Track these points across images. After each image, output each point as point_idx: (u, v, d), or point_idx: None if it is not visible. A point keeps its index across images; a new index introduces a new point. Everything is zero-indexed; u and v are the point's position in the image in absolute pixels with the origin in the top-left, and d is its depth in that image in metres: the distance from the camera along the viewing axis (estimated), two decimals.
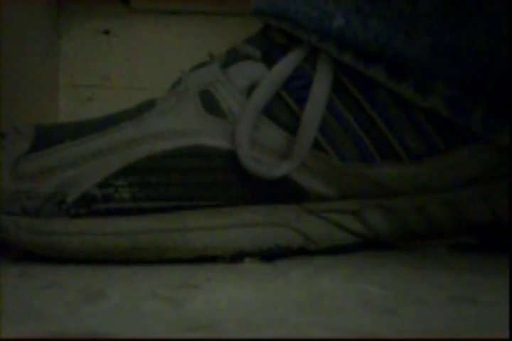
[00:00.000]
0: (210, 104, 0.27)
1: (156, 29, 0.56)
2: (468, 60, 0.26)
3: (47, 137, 0.27)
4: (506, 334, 0.14)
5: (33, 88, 0.46)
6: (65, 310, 0.17)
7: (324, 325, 0.15)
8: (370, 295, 0.19)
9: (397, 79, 0.26)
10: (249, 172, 0.26)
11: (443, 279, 0.22)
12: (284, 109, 0.27)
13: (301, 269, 0.24)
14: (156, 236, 0.25)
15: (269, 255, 0.26)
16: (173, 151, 0.26)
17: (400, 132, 0.27)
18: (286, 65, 0.27)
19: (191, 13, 0.56)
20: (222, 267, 0.24)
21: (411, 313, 0.17)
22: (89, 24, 0.55)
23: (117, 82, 0.55)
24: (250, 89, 0.27)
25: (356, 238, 0.28)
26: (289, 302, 0.18)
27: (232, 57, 0.28)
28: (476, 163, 0.27)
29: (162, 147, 0.26)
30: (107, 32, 0.55)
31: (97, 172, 0.25)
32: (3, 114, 0.37)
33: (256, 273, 0.23)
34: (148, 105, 0.28)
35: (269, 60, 0.27)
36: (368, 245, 0.29)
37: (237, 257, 0.26)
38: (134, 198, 0.25)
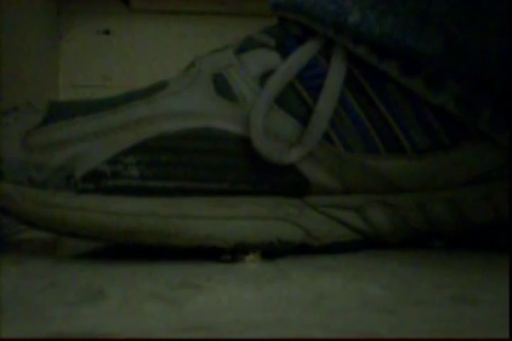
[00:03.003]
0: (222, 87, 0.27)
1: (156, 29, 0.56)
2: (479, 59, 0.26)
3: (59, 112, 0.27)
4: (506, 334, 0.14)
5: (33, 88, 0.46)
6: (65, 310, 0.17)
7: (324, 325, 0.15)
8: (370, 295, 0.19)
9: (408, 75, 0.26)
10: (262, 156, 0.26)
11: (443, 279, 0.22)
12: (295, 97, 0.27)
13: (301, 269, 0.24)
14: (159, 220, 0.25)
15: (271, 250, 0.26)
16: (183, 132, 0.26)
17: (407, 126, 0.27)
18: (302, 54, 0.27)
19: (191, 13, 0.56)
20: (222, 267, 0.24)
21: (411, 313, 0.17)
22: (89, 24, 0.55)
23: (117, 82, 0.55)
24: (263, 76, 0.27)
25: (357, 235, 0.28)
26: (289, 302, 0.18)
27: (247, 45, 0.29)
28: (480, 162, 0.27)
29: (172, 127, 0.26)
30: (107, 32, 0.55)
31: (107, 149, 0.26)
32: None
33: (256, 273, 0.23)
34: (160, 86, 0.28)
35: (283, 50, 0.28)
36: (368, 243, 0.29)
37: (238, 249, 0.26)
38: (141, 176, 0.26)
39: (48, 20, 0.51)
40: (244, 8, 0.56)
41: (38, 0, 0.47)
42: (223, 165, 0.26)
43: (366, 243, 0.29)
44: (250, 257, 0.26)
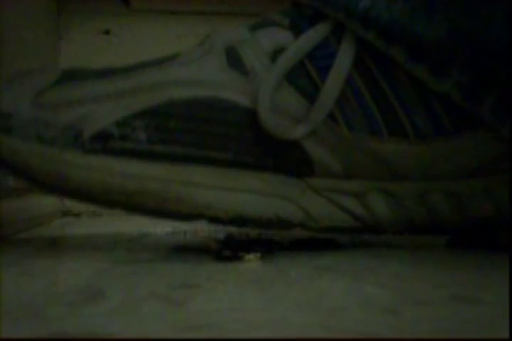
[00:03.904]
0: (234, 60, 0.28)
1: (156, 29, 0.56)
2: (484, 47, 0.26)
3: (73, 75, 0.27)
4: (506, 334, 0.14)
5: None
6: (65, 310, 0.17)
7: (324, 325, 0.15)
8: (370, 295, 0.19)
9: (414, 61, 0.27)
10: (267, 130, 0.26)
11: (443, 279, 0.22)
12: (304, 75, 0.27)
13: (301, 269, 0.24)
14: (161, 184, 0.26)
15: (268, 226, 0.27)
16: (193, 100, 0.27)
17: (411, 111, 0.27)
18: (314, 34, 0.28)
19: (191, 13, 0.56)
20: (222, 267, 0.24)
21: (411, 313, 0.17)
22: (89, 24, 0.55)
23: None
24: (274, 53, 0.28)
25: (356, 221, 0.28)
26: (289, 302, 0.18)
27: (261, 23, 0.29)
28: (481, 152, 0.28)
29: (183, 94, 0.27)
30: (107, 32, 0.55)
31: (117, 111, 0.26)
32: None
33: (256, 273, 0.23)
34: (173, 56, 0.28)
35: (296, 30, 0.28)
36: (366, 232, 0.29)
37: (236, 221, 0.26)
38: (149, 140, 0.26)
39: (48, 20, 0.51)
40: (244, 8, 0.56)
41: (38, 0, 0.47)
42: (229, 135, 0.27)
43: (364, 231, 0.29)
44: (250, 256, 0.26)
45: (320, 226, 0.28)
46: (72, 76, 0.27)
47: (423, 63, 0.27)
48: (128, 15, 0.55)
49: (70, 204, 0.50)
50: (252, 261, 0.26)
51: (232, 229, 0.34)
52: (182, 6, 0.56)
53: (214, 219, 0.26)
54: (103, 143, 0.26)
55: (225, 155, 0.27)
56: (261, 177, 0.27)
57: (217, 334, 0.14)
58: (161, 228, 0.40)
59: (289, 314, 0.16)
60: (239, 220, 0.26)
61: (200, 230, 0.38)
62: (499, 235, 0.30)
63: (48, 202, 0.46)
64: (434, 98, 0.27)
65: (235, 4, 0.55)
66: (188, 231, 0.37)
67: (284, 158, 0.27)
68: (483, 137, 0.27)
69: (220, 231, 0.35)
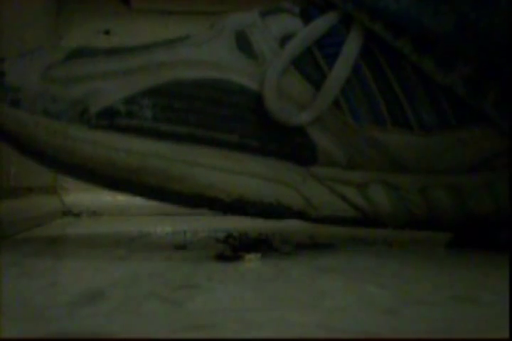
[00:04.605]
0: (243, 44, 0.28)
1: (156, 29, 0.56)
2: (489, 39, 0.27)
3: (82, 52, 0.28)
4: (506, 334, 0.14)
5: None
6: (65, 310, 0.17)
7: (324, 325, 0.15)
8: (370, 295, 0.19)
9: (420, 53, 0.27)
10: (272, 115, 0.27)
11: (443, 279, 0.22)
12: (312, 62, 0.28)
13: (301, 269, 0.24)
14: (165, 162, 0.26)
15: (268, 211, 0.27)
16: (200, 81, 0.27)
17: (416, 103, 0.28)
18: (323, 22, 0.28)
19: (191, 13, 0.56)
20: (222, 267, 0.24)
21: (411, 313, 0.17)
22: (89, 24, 0.55)
23: None
24: (283, 39, 0.28)
25: (356, 212, 0.28)
26: (289, 302, 0.18)
27: (272, 9, 0.30)
28: (484, 146, 0.28)
29: (191, 75, 0.27)
30: (107, 32, 0.55)
31: (125, 89, 0.26)
32: None
33: (256, 273, 0.23)
34: (183, 37, 0.29)
35: (306, 17, 0.29)
36: (366, 224, 0.29)
37: (236, 204, 0.26)
38: (154, 118, 0.26)
39: (47, 20, 0.51)
40: (244, 9, 0.55)
41: (38, 0, 0.47)
42: (235, 117, 0.27)
43: (364, 223, 0.29)
44: (250, 256, 0.26)
45: (319, 214, 0.28)
46: (81, 53, 0.28)
47: (429, 55, 0.27)
48: (128, 15, 0.55)
49: (70, 204, 0.50)
50: (252, 261, 0.26)
51: (232, 229, 0.34)
52: (182, 6, 0.56)
53: (214, 201, 0.27)
54: (109, 119, 0.26)
55: (229, 138, 0.27)
56: (264, 162, 0.27)
57: (217, 334, 0.14)
58: (161, 228, 0.40)
59: (289, 314, 0.16)
60: (239, 203, 0.27)
61: (201, 230, 0.38)
62: (499, 234, 0.30)
63: (47, 202, 0.46)
64: (440, 91, 0.27)
65: (235, 4, 0.55)
66: (188, 231, 0.37)
67: (288, 144, 0.28)
68: (486, 132, 0.28)
69: (220, 231, 0.35)
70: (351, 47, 0.27)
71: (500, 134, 0.27)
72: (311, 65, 0.28)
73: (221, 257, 0.26)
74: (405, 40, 0.27)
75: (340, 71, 0.27)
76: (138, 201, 0.46)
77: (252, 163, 0.27)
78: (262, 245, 0.28)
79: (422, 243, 0.32)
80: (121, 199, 0.50)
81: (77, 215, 0.50)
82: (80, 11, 0.55)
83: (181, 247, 0.28)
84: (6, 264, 0.24)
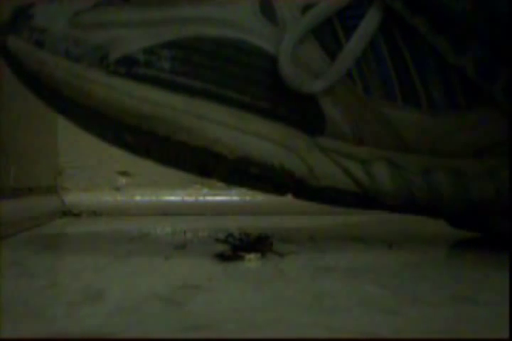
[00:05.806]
0: (266, 8, 0.28)
1: None
2: (504, 21, 0.27)
3: (110, 2, 0.28)
4: (506, 334, 0.14)
5: None
6: (65, 310, 0.17)
7: (324, 325, 0.15)
8: (370, 295, 0.19)
9: (436, 32, 0.27)
10: (285, 80, 0.27)
11: (443, 279, 0.22)
12: (330, 32, 0.28)
13: (301, 269, 0.24)
14: (176, 113, 0.27)
15: (269, 175, 0.27)
16: (221, 39, 0.27)
17: (428, 82, 0.28)
18: None
19: None
20: (222, 267, 0.24)
21: (411, 313, 0.17)
22: None
23: None
24: (306, 7, 0.28)
25: (357, 187, 0.29)
26: (289, 302, 0.18)
27: None
28: (490, 131, 0.28)
29: (212, 32, 0.27)
30: None
31: (146, 39, 0.27)
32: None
33: (256, 273, 0.23)
34: None
35: None
36: (365, 201, 0.29)
37: (239, 163, 0.27)
38: (172, 70, 0.27)
39: None
40: None
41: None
42: (249, 78, 0.27)
43: (363, 202, 0.29)
44: (250, 256, 0.26)
45: (320, 184, 0.28)
46: (110, 2, 0.28)
47: (444, 35, 0.27)
48: None
49: (70, 204, 0.50)
50: (252, 261, 0.26)
51: (233, 229, 0.34)
52: None
53: (218, 157, 0.27)
54: (127, 67, 0.26)
55: (241, 98, 0.27)
56: (273, 125, 0.28)
57: (217, 334, 0.14)
58: (161, 228, 0.40)
59: (289, 314, 0.16)
60: (242, 162, 0.27)
61: (201, 230, 0.38)
62: (499, 223, 0.30)
63: (48, 202, 0.46)
64: (453, 72, 0.28)
65: None
66: (188, 231, 0.37)
67: (298, 112, 0.28)
68: (493, 116, 0.28)
69: (220, 231, 0.35)
70: (370, 21, 0.28)
71: (506, 120, 0.28)
72: (329, 35, 0.28)
73: (221, 257, 0.26)
74: (422, 19, 0.27)
75: (356, 43, 0.27)
76: (138, 201, 0.46)
77: (261, 124, 0.28)
78: (262, 245, 0.28)
79: (422, 243, 0.32)
80: (121, 199, 0.50)
81: (77, 215, 0.50)
82: None
83: (181, 247, 0.28)
84: (6, 264, 0.24)
